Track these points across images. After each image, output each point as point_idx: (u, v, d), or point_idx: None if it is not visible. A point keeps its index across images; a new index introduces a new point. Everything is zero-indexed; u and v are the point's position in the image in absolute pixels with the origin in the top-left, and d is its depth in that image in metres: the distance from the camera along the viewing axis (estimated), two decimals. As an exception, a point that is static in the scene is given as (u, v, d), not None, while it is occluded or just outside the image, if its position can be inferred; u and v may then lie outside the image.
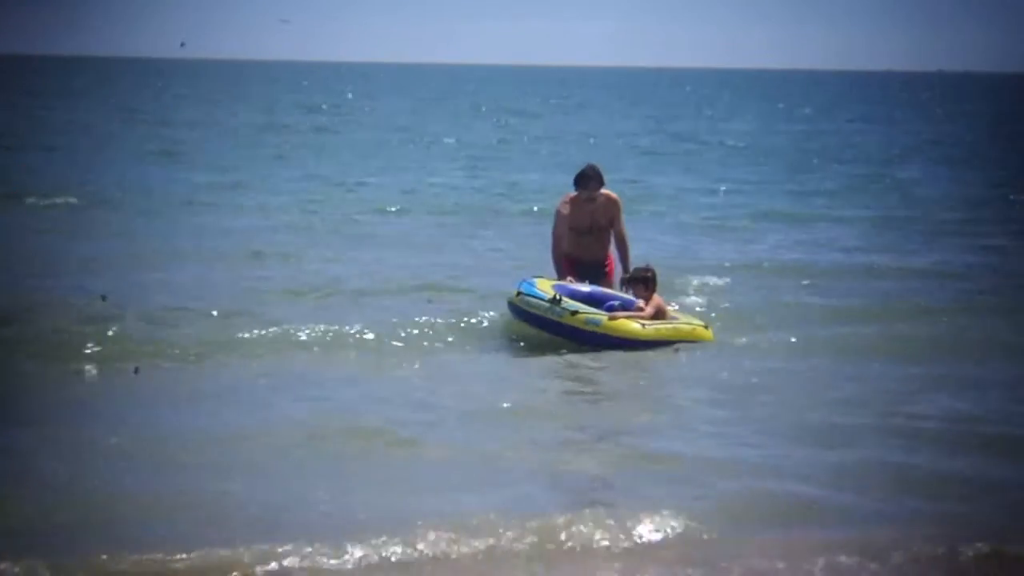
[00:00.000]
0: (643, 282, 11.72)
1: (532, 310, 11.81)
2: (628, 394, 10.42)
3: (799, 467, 8.16)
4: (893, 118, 65.01)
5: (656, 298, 11.70)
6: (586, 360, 11.07)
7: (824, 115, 68.35)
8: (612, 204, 12.54)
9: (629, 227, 12.82)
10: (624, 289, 12.04)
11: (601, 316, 11.47)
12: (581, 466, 8.19)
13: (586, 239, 12.53)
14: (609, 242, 12.66)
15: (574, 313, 11.51)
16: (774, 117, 65.77)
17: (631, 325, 11.38)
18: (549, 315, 11.62)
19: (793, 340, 11.90)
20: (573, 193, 12.55)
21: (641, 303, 11.68)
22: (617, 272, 12.61)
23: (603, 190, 12.49)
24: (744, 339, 11.90)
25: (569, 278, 12.30)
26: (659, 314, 11.62)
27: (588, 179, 12.43)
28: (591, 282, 12.31)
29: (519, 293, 11.97)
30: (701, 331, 11.62)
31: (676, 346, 11.31)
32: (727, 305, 13.51)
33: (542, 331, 11.68)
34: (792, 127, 54.94)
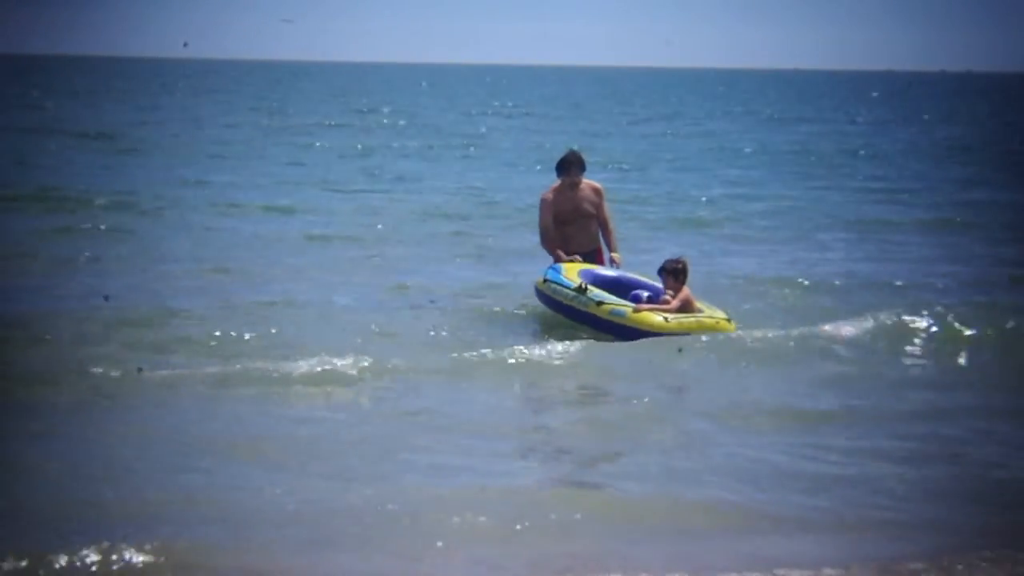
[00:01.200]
0: (673, 274, 11.72)
1: (557, 298, 11.93)
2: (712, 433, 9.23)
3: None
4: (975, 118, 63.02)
5: (685, 290, 11.65)
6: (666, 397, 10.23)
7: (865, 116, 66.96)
8: (596, 192, 12.63)
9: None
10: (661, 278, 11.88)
11: (626, 307, 11.50)
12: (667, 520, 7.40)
13: (571, 228, 12.57)
14: (597, 232, 12.71)
15: (599, 303, 11.60)
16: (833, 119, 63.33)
17: (654, 318, 11.39)
18: (575, 304, 11.73)
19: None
20: (557, 182, 12.60)
21: (669, 295, 11.62)
22: (605, 260, 12.60)
23: (586, 179, 12.59)
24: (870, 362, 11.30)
25: (567, 257, 12.21)
26: (686, 307, 11.56)
27: (570, 164, 12.51)
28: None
29: (545, 280, 12.09)
30: (724, 324, 11.50)
31: (680, 347, 11.01)
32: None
33: (568, 319, 11.72)
34: (839, 129, 53.63)
